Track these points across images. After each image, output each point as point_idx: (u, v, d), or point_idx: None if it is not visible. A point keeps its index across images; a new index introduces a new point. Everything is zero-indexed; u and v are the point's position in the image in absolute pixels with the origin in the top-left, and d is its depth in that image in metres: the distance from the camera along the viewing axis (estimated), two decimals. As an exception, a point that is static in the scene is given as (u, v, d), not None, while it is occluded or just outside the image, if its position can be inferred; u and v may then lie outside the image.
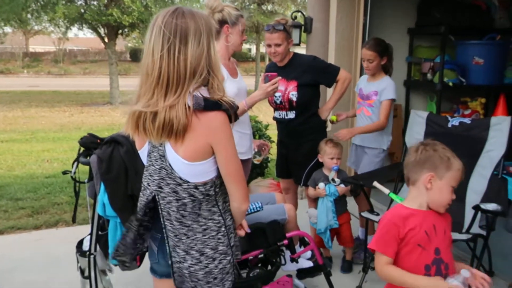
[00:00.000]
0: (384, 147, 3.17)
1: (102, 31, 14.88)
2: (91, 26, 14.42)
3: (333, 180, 2.96)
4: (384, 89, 3.05)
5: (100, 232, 2.36)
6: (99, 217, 2.29)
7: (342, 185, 2.95)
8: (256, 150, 3.02)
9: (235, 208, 1.56)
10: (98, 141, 2.37)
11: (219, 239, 1.53)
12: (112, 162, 2.17)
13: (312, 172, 3.08)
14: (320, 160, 3.03)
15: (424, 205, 1.68)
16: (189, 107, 1.38)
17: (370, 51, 3.02)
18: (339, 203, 2.98)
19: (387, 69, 3.16)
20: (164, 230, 1.57)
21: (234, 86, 2.66)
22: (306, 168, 3.11)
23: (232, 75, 2.71)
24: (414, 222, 1.64)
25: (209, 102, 1.41)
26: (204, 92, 1.44)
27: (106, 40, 14.88)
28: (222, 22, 2.60)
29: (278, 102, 3.06)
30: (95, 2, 14.07)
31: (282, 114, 3.10)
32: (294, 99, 2.99)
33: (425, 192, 1.67)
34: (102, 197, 2.19)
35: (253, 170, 4.98)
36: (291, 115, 3.06)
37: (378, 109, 3.09)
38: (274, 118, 3.18)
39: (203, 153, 1.44)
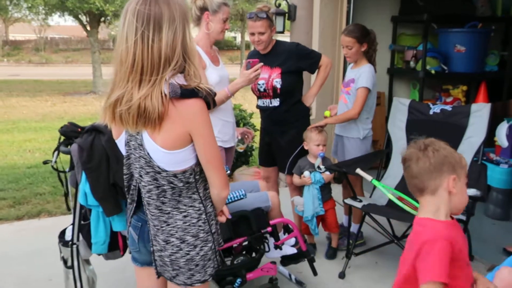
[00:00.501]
0: (360, 137, 3.08)
1: (84, 18, 14.60)
2: (72, 13, 14.13)
3: (318, 167, 2.97)
4: (360, 76, 2.99)
5: (82, 222, 2.34)
6: (81, 206, 2.27)
7: (327, 172, 2.96)
8: (239, 138, 3.02)
9: (215, 195, 1.56)
10: (79, 129, 2.34)
11: (199, 226, 1.52)
12: (93, 151, 2.15)
13: (297, 159, 3.09)
14: (306, 147, 3.04)
15: (448, 214, 1.48)
16: (165, 95, 1.36)
17: (348, 37, 2.96)
18: (324, 190, 3.01)
19: (370, 56, 3.09)
20: (145, 218, 1.58)
21: (216, 74, 2.65)
22: (291, 155, 3.11)
23: (214, 63, 2.69)
24: (455, 237, 1.44)
25: (186, 89, 1.39)
26: (180, 79, 1.43)
27: (88, 28, 14.62)
28: (203, 9, 2.58)
29: (261, 89, 3.03)
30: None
31: (266, 102, 3.08)
32: (279, 86, 2.97)
33: (448, 198, 1.46)
34: (84, 186, 2.17)
35: (238, 159, 4.99)
36: (276, 102, 3.04)
37: (354, 97, 3.03)
38: (258, 106, 3.16)
39: (182, 141, 1.43)
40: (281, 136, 3.11)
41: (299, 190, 3.12)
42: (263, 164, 3.35)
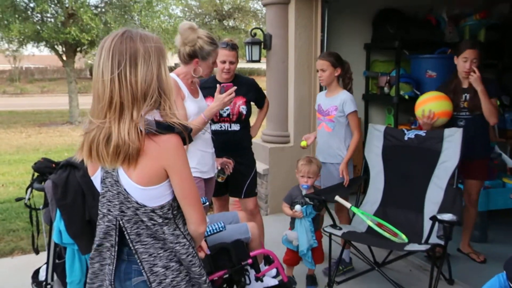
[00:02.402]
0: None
1: (60, 48, 14.52)
2: (48, 44, 14.05)
3: (306, 196, 2.97)
4: (344, 103, 3.13)
5: (57, 260, 2.28)
6: (56, 244, 2.21)
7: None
8: (219, 168, 3.01)
9: (192, 230, 1.54)
10: (53, 165, 2.30)
11: (190, 261, 1.52)
12: (68, 187, 2.12)
13: (254, 182, 3.25)
14: (297, 176, 3.08)
15: None
16: (141, 131, 1.36)
17: (323, 60, 3.17)
18: (315, 221, 2.99)
19: (346, 85, 3.26)
20: (136, 256, 1.51)
21: (195, 105, 2.65)
22: (247, 179, 3.22)
23: (193, 95, 2.70)
24: None
25: (161, 125, 1.40)
26: (156, 115, 1.43)
27: (64, 58, 14.53)
28: (192, 56, 2.57)
29: (224, 114, 3.13)
30: (52, 20, 13.74)
31: (224, 126, 3.16)
32: (244, 112, 3.15)
33: None
34: (58, 224, 2.13)
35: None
36: (235, 127, 3.16)
37: (339, 124, 3.16)
38: (213, 131, 3.10)
39: (157, 177, 1.42)
40: (240, 160, 3.17)
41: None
42: (218, 194, 3.24)
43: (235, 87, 2.63)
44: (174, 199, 1.49)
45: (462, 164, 3.02)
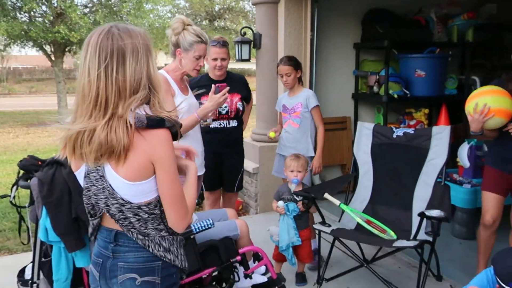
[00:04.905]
0: (313, 154, 3.35)
1: (48, 48, 14.37)
2: (36, 43, 13.90)
3: (295, 195, 2.96)
4: (308, 99, 3.31)
5: (43, 259, 2.24)
6: (42, 243, 2.18)
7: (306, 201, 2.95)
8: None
9: (172, 228, 1.51)
10: (39, 163, 2.27)
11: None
12: (54, 185, 2.09)
13: (243, 177, 3.46)
14: (285, 173, 3.09)
15: None
16: (130, 125, 1.34)
17: (286, 65, 3.31)
18: (302, 218, 2.97)
19: (306, 83, 3.51)
20: (107, 254, 1.52)
21: (185, 102, 2.64)
22: (239, 174, 3.40)
23: (183, 92, 2.69)
24: None
25: (152, 119, 1.38)
26: (146, 110, 1.41)
27: (53, 57, 14.39)
28: (176, 45, 2.59)
29: (223, 112, 3.23)
30: (40, 19, 13.60)
31: (223, 123, 3.26)
32: (241, 109, 3.30)
33: None
34: (44, 221, 2.10)
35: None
36: (233, 123, 3.29)
37: (305, 120, 3.34)
38: (212, 129, 3.21)
39: (145, 172, 1.40)
40: (233, 156, 3.35)
41: (218, 205, 3.44)
42: (212, 188, 3.39)
43: (228, 88, 2.65)
44: None
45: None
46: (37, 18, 13.59)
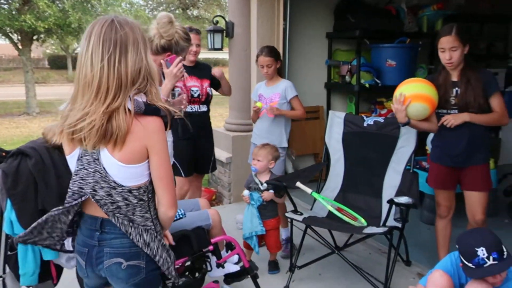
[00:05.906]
0: (284, 145, 3.41)
1: (15, 37, 13.91)
2: (1, 31, 13.42)
3: (261, 184, 2.97)
4: (286, 89, 3.36)
5: (9, 252, 2.19)
6: (7, 236, 2.12)
7: (271, 191, 2.96)
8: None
9: (162, 213, 1.59)
10: (4, 154, 2.20)
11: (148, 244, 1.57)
12: (19, 176, 2.03)
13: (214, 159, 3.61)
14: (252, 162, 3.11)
15: None
16: (129, 110, 1.42)
17: (268, 57, 3.32)
18: (267, 208, 2.98)
19: (280, 73, 3.51)
20: (92, 243, 1.57)
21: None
22: (212, 155, 3.56)
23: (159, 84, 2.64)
24: None
25: (149, 106, 1.46)
26: (143, 98, 1.48)
27: (19, 46, 13.94)
28: (166, 49, 2.41)
29: (195, 95, 3.33)
30: (5, 6, 13.12)
31: (194, 108, 3.34)
32: (211, 94, 3.42)
33: None
34: (9, 214, 2.04)
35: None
36: (204, 108, 3.40)
37: (282, 108, 3.35)
38: (185, 113, 3.11)
39: (139, 156, 1.47)
40: (206, 139, 3.49)
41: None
42: (190, 173, 3.43)
43: (180, 57, 2.44)
44: (150, 181, 1.54)
45: (458, 174, 2.74)
46: (2, 5, 13.11)
